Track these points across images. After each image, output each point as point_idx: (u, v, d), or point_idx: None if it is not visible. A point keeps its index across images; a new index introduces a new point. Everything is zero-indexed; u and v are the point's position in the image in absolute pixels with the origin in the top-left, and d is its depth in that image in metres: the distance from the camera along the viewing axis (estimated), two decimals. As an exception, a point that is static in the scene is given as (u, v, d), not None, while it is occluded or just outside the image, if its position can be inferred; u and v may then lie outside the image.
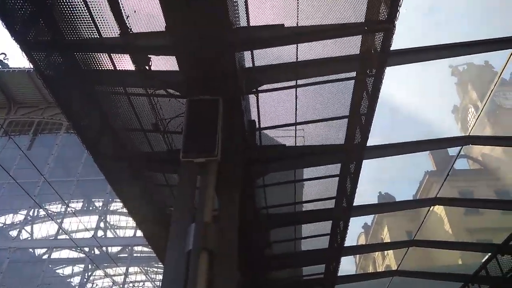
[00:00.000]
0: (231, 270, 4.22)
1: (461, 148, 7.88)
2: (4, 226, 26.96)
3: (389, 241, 36.55)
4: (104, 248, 22.38)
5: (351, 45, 5.14)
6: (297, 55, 5.09)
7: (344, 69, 5.36)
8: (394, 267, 31.31)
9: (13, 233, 25.85)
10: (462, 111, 52.23)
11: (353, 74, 5.46)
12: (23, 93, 25.94)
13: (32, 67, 5.10)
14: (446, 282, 11.89)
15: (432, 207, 9.49)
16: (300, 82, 5.51)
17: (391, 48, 4.86)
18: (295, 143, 6.43)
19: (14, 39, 4.61)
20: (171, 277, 4.15)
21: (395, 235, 37.35)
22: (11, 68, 25.10)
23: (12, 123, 26.38)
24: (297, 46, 4.99)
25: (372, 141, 6.33)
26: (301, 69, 5.26)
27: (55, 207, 26.32)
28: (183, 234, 4.28)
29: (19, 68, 24.60)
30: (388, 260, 41.46)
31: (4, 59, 25.67)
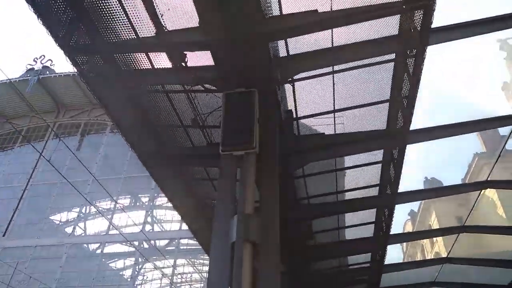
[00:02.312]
0: (274, 260, 4.24)
1: (513, 127, 7.41)
2: (60, 224, 28.65)
3: (437, 227, 35.25)
4: (152, 242, 23.22)
5: (389, 26, 4.93)
6: (332, 40, 4.96)
7: (382, 51, 5.16)
8: (443, 254, 30.22)
9: (68, 229, 27.44)
10: (514, 88, 49.05)
11: (393, 55, 5.25)
12: (69, 97, 27.33)
13: (76, 70, 5.35)
14: (501, 269, 11.31)
15: (483, 190, 9.02)
16: (337, 67, 5.38)
17: (432, 26, 4.63)
18: (335, 131, 6.31)
19: (58, 45, 4.84)
20: (217, 268, 4.24)
21: (444, 221, 35.97)
22: (57, 73, 26.45)
23: (61, 126, 27.89)
24: (332, 31, 4.87)
25: (415, 124, 6.08)
26: (338, 55, 5.12)
27: (105, 204, 27.60)
28: (226, 227, 4.35)
29: (65, 72, 25.88)
30: (438, 247, 40.10)
31: (50, 65, 27.03)
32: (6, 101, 27.54)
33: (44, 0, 4.51)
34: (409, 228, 50.46)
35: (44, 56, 27.13)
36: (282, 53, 5.18)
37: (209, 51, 4.83)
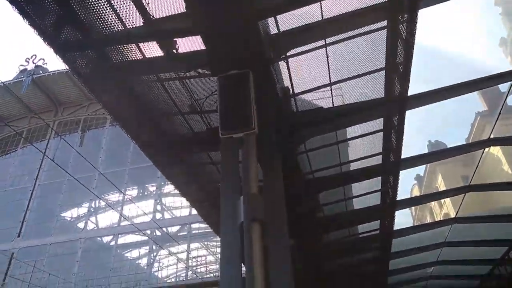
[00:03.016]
0: (283, 237, 4.32)
1: (512, 83, 7.35)
2: (72, 220, 29.08)
3: (444, 189, 35.52)
4: (164, 229, 23.59)
5: (378, -8, 4.86)
6: (322, 13, 4.90)
7: (373, 19, 5.09)
8: (452, 215, 30.50)
9: (81, 225, 27.88)
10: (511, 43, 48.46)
11: (384, 23, 5.18)
12: (65, 94, 27.29)
13: (68, 67, 5.33)
14: (510, 223, 11.44)
15: (486, 148, 9.03)
16: (329, 40, 5.33)
17: (422, -12, 4.57)
18: (333, 104, 6.30)
19: (47, 44, 4.81)
20: (228, 249, 4.32)
21: (451, 182, 36.19)
22: (50, 71, 26.31)
23: (61, 124, 27.94)
24: (321, 4, 4.80)
25: (414, 89, 6.05)
26: (329, 27, 5.07)
27: (114, 197, 27.92)
28: (233, 208, 4.41)
29: (58, 70, 25.73)
30: (446, 208, 40.56)
31: (43, 64, 26.86)
32: (3, 104, 27.54)
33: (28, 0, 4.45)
34: (416, 193, 50.93)
35: (35, 55, 26.92)
36: (273, 30, 5.13)
37: (199, 36, 4.79)
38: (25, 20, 4.57)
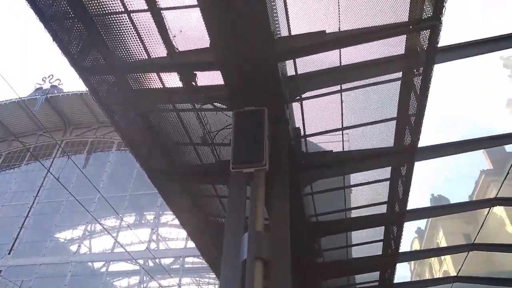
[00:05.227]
0: (285, 278, 4.22)
1: (520, 144, 7.41)
2: (65, 241, 28.55)
3: (445, 245, 34.78)
4: (157, 260, 23.05)
5: (395, 45, 5.04)
6: (340, 59, 5.06)
7: (389, 70, 5.25)
8: (452, 273, 29.67)
9: (73, 247, 27.32)
10: (518, 105, 49.16)
11: (399, 74, 5.33)
12: (76, 115, 27.67)
13: (86, 90, 5.47)
14: (513, 288, 11.12)
15: (491, 208, 8.96)
16: (344, 86, 5.47)
17: (438, 45, 4.72)
18: (343, 148, 6.35)
19: (73, 67, 4.98)
20: (227, 286, 4.23)
21: (452, 239, 35.52)
22: (65, 92, 26.84)
23: (68, 144, 28.12)
24: (340, 50, 4.97)
25: (423, 140, 6.10)
26: (345, 74, 5.21)
27: (110, 222, 27.53)
28: (236, 244, 4.35)
29: (72, 91, 26.25)
30: (446, 265, 39.48)
31: (59, 84, 27.46)
32: (14, 119, 27.92)
33: (59, 22, 4.65)
34: (416, 246, 49.84)
35: (52, 75, 27.59)
36: (291, 72, 5.28)
37: (218, 71, 4.93)
38: (54, 41, 4.75)
